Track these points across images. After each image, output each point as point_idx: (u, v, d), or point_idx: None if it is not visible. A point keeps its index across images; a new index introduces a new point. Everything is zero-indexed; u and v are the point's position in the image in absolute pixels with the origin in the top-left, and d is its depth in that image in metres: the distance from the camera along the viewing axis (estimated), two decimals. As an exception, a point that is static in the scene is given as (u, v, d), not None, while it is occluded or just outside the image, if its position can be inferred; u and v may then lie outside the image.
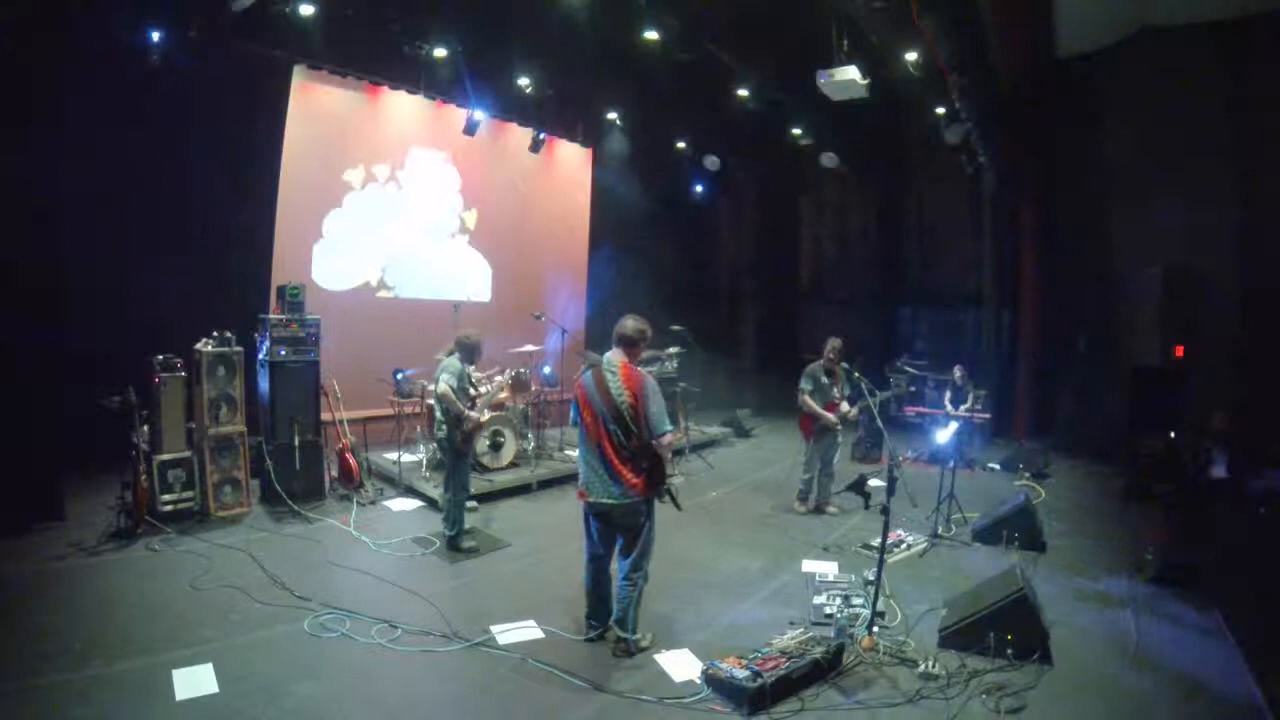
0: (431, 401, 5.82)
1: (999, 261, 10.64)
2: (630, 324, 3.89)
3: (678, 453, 8.25)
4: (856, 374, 5.77)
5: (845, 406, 6.52)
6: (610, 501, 3.77)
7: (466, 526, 5.48)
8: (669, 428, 3.77)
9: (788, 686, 3.43)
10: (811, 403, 6.41)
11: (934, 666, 3.70)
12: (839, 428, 6.51)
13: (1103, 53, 9.41)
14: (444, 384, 5.12)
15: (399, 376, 7.25)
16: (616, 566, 3.95)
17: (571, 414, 4.02)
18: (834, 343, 6.49)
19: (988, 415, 9.39)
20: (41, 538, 5.08)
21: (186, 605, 4.20)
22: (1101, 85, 9.71)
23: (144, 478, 5.31)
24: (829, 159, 11.53)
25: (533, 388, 7.86)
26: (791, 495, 6.75)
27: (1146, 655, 3.98)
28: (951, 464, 6.34)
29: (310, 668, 3.59)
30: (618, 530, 3.88)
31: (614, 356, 3.85)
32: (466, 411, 5.19)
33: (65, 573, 4.59)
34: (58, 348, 5.90)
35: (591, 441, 3.81)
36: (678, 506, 3.98)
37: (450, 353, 5.36)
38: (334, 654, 3.76)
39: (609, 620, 3.99)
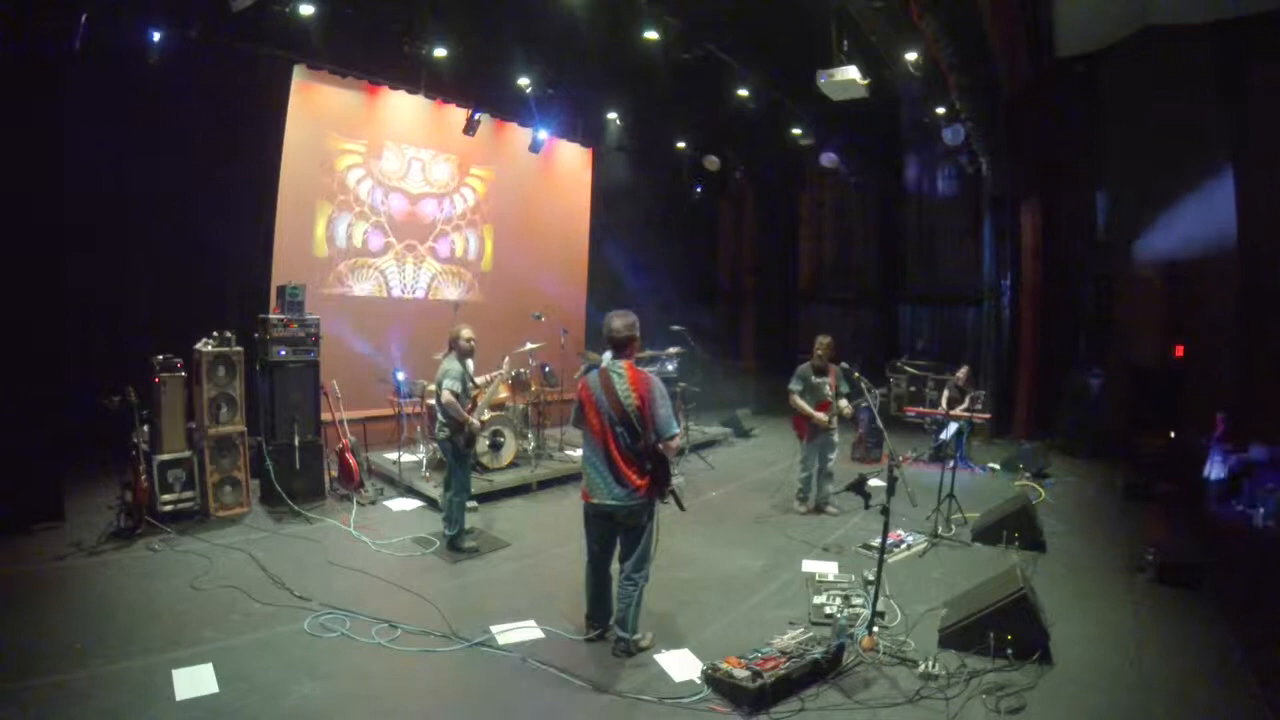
0: (431, 401, 5.80)
1: (999, 261, 10.63)
2: (617, 324, 3.82)
3: (678, 453, 8.24)
4: (856, 374, 5.77)
5: (843, 403, 6.51)
6: (614, 503, 3.76)
7: (467, 526, 5.48)
8: (676, 430, 3.76)
9: (788, 686, 3.43)
10: (802, 403, 6.41)
11: (934, 666, 3.70)
12: (833, 427, 6.50)
13: (1103, 53, 9.41)
14: (447, 392, 5.08)
15: (399, 376, 7.25)
16: (617, 566, 3.95)
17: (573, 414, 3.99)
18: (823, 340, 6.52)
19: (988, 415, 9.39)
20: (41, 538, 5.07)
21: (186, 605, 4.20)
22: (1101, 85, 9.71)
23: (144, 478, 5.31)
24: (829, 159, 11.54)
25: (533, 388, 7.85)
26: (791, 495, 6.75)
27: (1146, 655, 3.98)
28: (952, 463, 6.35)
29: (310, 668, 3.59)
30: (620, 531, 3.87)
31: (614, 357, 3.84)
32: (470, 419, 5.19)
33: (65, 573, 4.59)
34: (58, 348, 5.92)
35: (597, 443, 3.79)
36: (681, 507, 3.98)
37: (447, 354, 5.34)
38: (334, 654, 3.76)
39: (609, 620, 3.99)
